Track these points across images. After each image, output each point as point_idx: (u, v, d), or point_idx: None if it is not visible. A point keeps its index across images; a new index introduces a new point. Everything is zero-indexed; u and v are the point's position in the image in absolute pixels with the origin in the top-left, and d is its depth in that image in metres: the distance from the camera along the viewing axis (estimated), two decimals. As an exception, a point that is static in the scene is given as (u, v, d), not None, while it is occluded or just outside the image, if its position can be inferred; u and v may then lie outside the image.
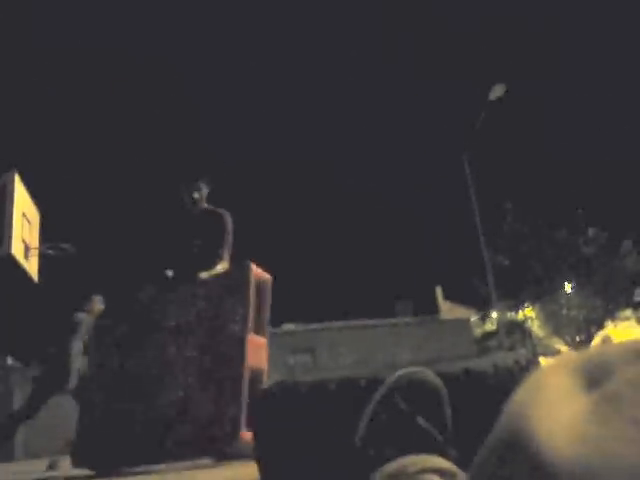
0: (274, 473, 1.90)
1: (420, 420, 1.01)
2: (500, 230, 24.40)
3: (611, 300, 23.50)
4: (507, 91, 15.97)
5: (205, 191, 4.70)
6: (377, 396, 1.05)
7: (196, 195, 4.60)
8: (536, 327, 23.32)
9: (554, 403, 0.41)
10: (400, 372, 1.07)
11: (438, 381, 1.07)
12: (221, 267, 4.48)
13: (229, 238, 4.65)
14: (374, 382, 1.61)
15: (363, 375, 1.70)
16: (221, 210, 4.69)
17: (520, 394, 0.44)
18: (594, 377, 0.42)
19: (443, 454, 0.99)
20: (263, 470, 1.98)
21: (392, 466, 0.92)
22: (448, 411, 1.05)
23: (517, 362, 1.74)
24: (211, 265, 4.47)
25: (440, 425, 1.03)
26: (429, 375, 1.07)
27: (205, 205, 4.68)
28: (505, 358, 1.84)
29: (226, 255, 4.60)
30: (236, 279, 4.20)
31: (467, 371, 1.45)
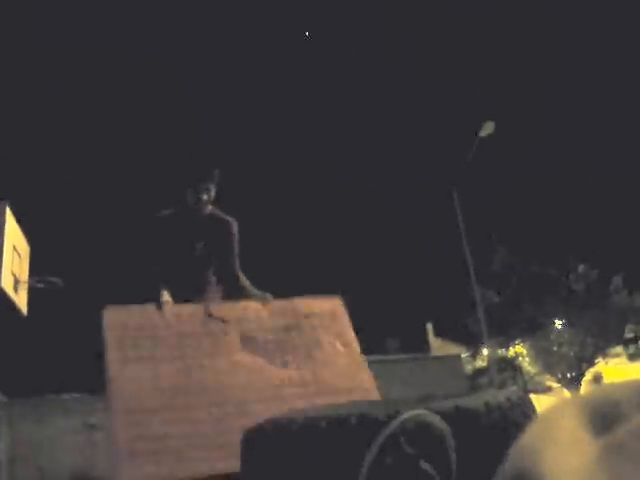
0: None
1: (424, 465, 1.00)
2: (490, 266, 24.45)
3: (602, 337, 23.50)
4: (496, 129, 16.16)
5: (213, 193, 4.17)
6: (381, 439, 1.04)
7: (204, 197, 4.13)
8: (527, 364, 23.25)
9: (562, 448, 0.41)
10: (405, 415, 1.06)
11: (444, 425, 1.06)
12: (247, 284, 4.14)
13: (237, 248, 4.34)
14: (365, 420, 1.60)
15: (354, 413, 1.69)
16: (229, 217, 4.35)
17: (529, 435, 0.44)
18: (603, 421, 0.42)
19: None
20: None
21: None
22: (453, 456, 1.04)
23: (508, 399, 1.73)
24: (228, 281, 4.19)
25: (444, 470, 1.02)
26: (434, 419, 1.06)
27: (211, 208, 4.27)
28: (496, 395, 1.83)
29: (238, 268, 4.30)
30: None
31: (458, 409, 1.44)
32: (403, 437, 1.02)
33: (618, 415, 0.42)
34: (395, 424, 1.04)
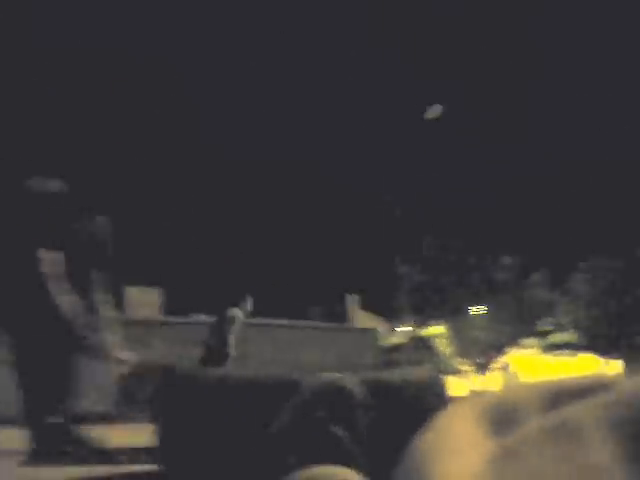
0: (175, 465, 1.87)
1: (335, 428, 1.01)
2: (418, 247, 24.81)
3: (516, 327, 24.21)
4: (443, 112, 16.27)
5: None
6: (295, 400, 1.04)
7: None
8: (443, 345, 23.78)
9: (457, 449, 0.42)
10: (321, 377, 1.06)
11: (358, 390, 1.06)
12: None
13: None
14: (283, 383, 1.61)
15: (272, 376, 1.70)
16: None
17: (428, 436, 0.45)
18: (500, 424, 0.43)
19: (355, 464, 0.98)
20: (163, 459, 1.95)
21: (305, 475, 0.91)
22: (364, 421, 1.04)
23: (422, 376, 1.77)
24: None
25: (356, 436, 1.02)
26: (349, 382, 1.06)
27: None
28: (411, 372, 1.86)
29: None
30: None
31: (373, 381, 1.46)
32: (317, 399, 1.02)
33: (515, 418, 0.44)
34: (311, 386, 1.04)
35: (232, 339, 7.98)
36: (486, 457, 0.42)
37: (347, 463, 0.98)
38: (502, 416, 0.45)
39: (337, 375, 1.08)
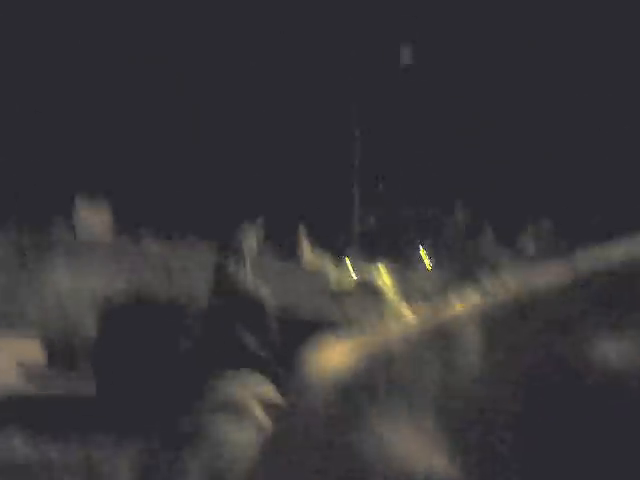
0: (112, 389, 1.92)
1: (248, 338, 1.03)
2: (374, 190, 24.82)
3: (460, 279, 24.61)
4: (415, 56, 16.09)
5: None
6: (209, 311, 1.05)
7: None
8: (388, 289, 24.09)
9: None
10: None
11: (268, 297, 1.08)
12: None
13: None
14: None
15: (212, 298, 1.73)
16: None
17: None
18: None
19: (269, 372, 1.02)
20: (102, 381, 1.99)
21: (222, 393, 0.94)
22: (274, 326, 1.07)
23: (368, 318, 1.84)
24: None
25: (267, 343, 1.05)
26: (264, 292, 1.08)
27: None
28: (357, 313, 1.92)
29: None
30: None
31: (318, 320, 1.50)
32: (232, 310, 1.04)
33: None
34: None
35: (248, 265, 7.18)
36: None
37: (260, 370, 1.02)
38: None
39: (251, 285, 1.09)
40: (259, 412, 0.95)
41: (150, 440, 0.97)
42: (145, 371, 1.65)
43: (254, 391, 0.95)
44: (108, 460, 1.44)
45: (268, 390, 0.97)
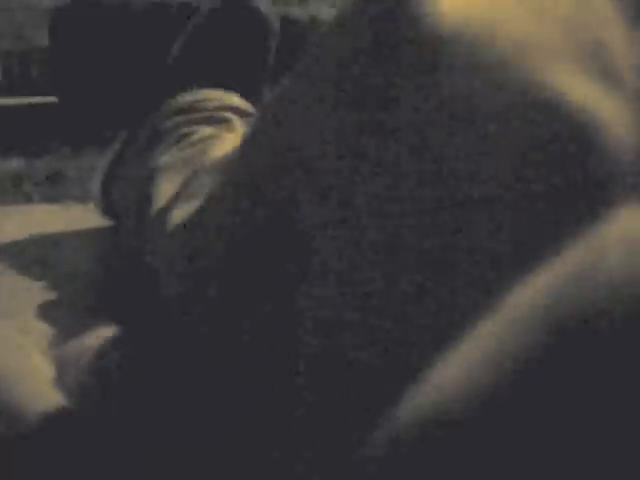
0: (72, 95, 1.84)
1: (238, 49, 0.95)
2: None
3: None
4: None
5: None
6: (199, 16, 0.96)
7: None
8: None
9: None
10: None
11: (271, 10, 0.98)
12: None
13: None
14: (188, 8, 1.52)
15: (177, 1, 1.61)
16: None
17: None
18: None
19: (256, 92, 0.95)
20: (60, 90, 1.91)
21: (191, 96, 0.88)
22: (273, 45, 0.98)
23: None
24: None
25: (260, 59, 0.97)
26: (264, 4, 0.98)
27: None
28: (325, 13, 1.80)
29: None
30: None
31: (285, 18, 1.39)
32: (221, 16, 0.94)
33: None
34: (213, 2, 0.96)
35: None
36: None
37: (249, 89, 0.95)
38: None
39: None
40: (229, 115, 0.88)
41: (108, 150, 0.93)
42: (104, 77, 1.57)
43: (229, 101, 0.88)
44: (70, 167, 1.42)
45: (243, 102, 0.89)
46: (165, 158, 0.77)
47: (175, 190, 0.68)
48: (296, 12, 1.63)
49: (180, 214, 0.60)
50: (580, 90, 0.32)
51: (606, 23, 0.34)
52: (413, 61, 0.35)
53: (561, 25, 0.34)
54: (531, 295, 0.21)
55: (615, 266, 0.19)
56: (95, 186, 0.97)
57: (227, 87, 0.91)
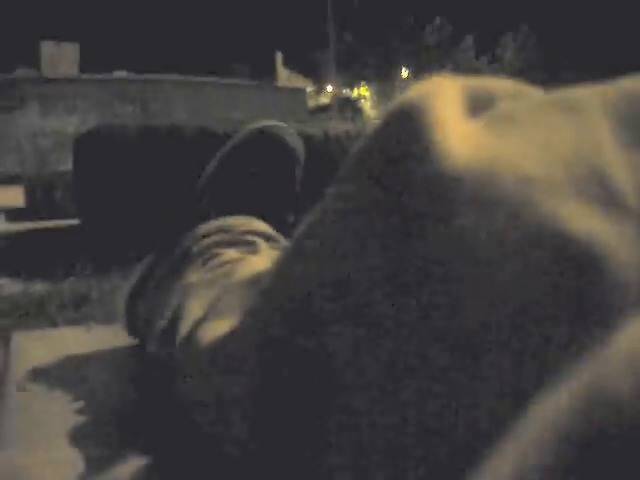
0: (95, 218, 1.88)
1: (265, 180, 0.98)
2: (350, 6, 24.00)
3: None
4: None
5: None
6: (228, 147, 1.00)
7: None
8: (368, 107, 23.92)
9: (442, 121, 0.39)
10: (257, 124, 1.01)
11: (297, 141, 1.02)
12: None
13: None
14: (207, 134, 1.57)
15: (196, 125, 1.66)
16: None
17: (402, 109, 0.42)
18: (477, 104, 0.41)
19: (282, 219, 0.98)
20: (84, 213, 1.95)
21: (220, 221, 0.91)
22: (299, 175, 1.01)
23: (347, 132, 1.77)
24: None
25: (287, 189, 1.00)
26: (288, 132, 1.01)
27: None
28: (336, 127, 1.85)
29: None
30: None
31: (297, 133, 1.43)
32: (248, 148, 0.98)
33: (493, 100, 0.41)
34: (241, 133, 0.99)
35: None
36: (477, 124, 0.39)
37: (275, 216, 0.98)
38: (481, 97, 0.43)
39: (275, 123, 1.02)
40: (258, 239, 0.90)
41: (136, 264, 0.94)
42: (127, 200, 1.62)
43: (256, 226, 0.90)
44: (94, 289, 1.44)
45: (270, 229, 0.92)
46: (194, 278, 0.77)
47: (204, 309, 0.68)
48: (309, 129, 1.67)
49: (210, 331, 0.60)
50: (585, 222, 0.33)
51: (606, 150, 0.35)
52: (426, 200, 0.37)
53: (563, 158, 0.35)
54: (545, 418, 0.21)
55: (622, 388, 0.19)
56: (120, 307, 0.98)
57: (253, 214, 0.94)
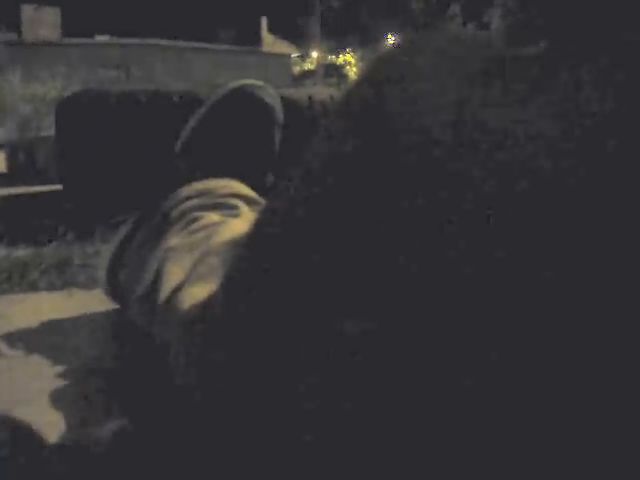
0: (78, 183, 1.87)
1: (244, 139, 0.97)
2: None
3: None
4: None
5: None
6: (206, 106, 0.99)
7: None
8: (353, 73, 23.77)
9: None
10: (235, 83, 0.99)
11: (276, 100, 1.01)
12: None
13: None
14: (190, 98, 1.56)
15: (178, 90, 1.65)
16: None
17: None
18: None
19: (260, 179, 0.97)
20: (66, 178, 1.94)
21: (201, 185, 0.90)
22: (278, 135, 1.01)
23: (332, 97, 1.76)
24: None
25: (265, 149, 0.99)
26: (267, 92, 1.00)
27: None
28: (320, 92, 1.84)
29: None
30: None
31: (282, 98, 1.42)
32: (227, 106, 0.97)
33: None
34: (219, 93, 0.98)
35: None
36: None
37: (254, 176, 0.97)
38: None
39: (255, 82, 1.01)
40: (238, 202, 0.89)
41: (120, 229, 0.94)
42: (109, 165, 1.61)
43: (237, 189, 0.90)
44: (76, 254, 1.44)
45: (251, 192, 0.91)
46: (174, 241, 0.77)
47: (184, 274, 0.68)
48: (293, 93, 1.66)
49: (190, 296, 0.60)
50: None
51: None
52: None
53: None
54: None
55: None
56: (102, 271, 0.97)
57: (233, 176, 0.93)
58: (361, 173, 0.37)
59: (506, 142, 0.33)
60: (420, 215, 0.34)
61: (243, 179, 0.94)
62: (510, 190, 0.32)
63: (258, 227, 0.47)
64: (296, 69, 26.43)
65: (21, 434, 0.46)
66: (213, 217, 0.82)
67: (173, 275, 0.70)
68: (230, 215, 0.84)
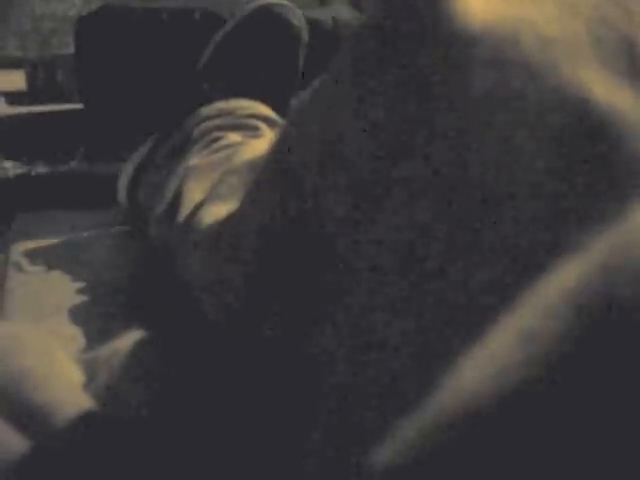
0: (98, 102, 1.85)
1: (268, 59, 0.95)
2: None
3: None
4: None
5: None
6: (230, 25, 0.96)
7: None
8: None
9: None
10: (260, 2, 0.97)
11: (301, 20, 0.98)
12: None
13: None
14: (213, 16, 1.52)
15: (201, 7, 1.61)
16: None
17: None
18: None
19: (283, 101, 0.96)
20: (86, 96, 1.92)
21: (223, 104, 0.89)
22: (301, 58, 0.98)
23: (357, 19, 1.71)
24: None
25: (289, 71, 0.97)
26: (292, 11, 0.97)
27: None
28: (346, 13, 1.79)
29: None
30: None
31: (306, 19, 1.38)
32: (251, 26, 0.94)
33: None
34: (244, 11, 0.96)
35: None
36: None
37: (277, 98, 0.96)
38: None
39: (277, 2, 0.98)
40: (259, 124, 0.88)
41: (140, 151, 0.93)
42: (130, 84, 1.59)
43: (258, 110, 0.88)
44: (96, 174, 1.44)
45: (272, 113, 0.90)
46: (195, 161, 0.77)
47: (204, 193, 0.67)
48: (318, 14, 1.62)
49: (210, 214, 0.60)
50: (607, 89, 0.31)
51: (636, 17, 0.33)
52: (441, 59, 0.35)
53: (589, 22, 0.34)
54: (559, 286, 0.20)
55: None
56: (121, 189, 0.97)
57: (255, 96, 0.92)
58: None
59: None
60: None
61: (266, 100, 0.93)
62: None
63: (278, 142, 0.46)
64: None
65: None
66: (234, 137, 0.81)
67: (193, 194, 0.69)
68: (251, 136, 0.83)
